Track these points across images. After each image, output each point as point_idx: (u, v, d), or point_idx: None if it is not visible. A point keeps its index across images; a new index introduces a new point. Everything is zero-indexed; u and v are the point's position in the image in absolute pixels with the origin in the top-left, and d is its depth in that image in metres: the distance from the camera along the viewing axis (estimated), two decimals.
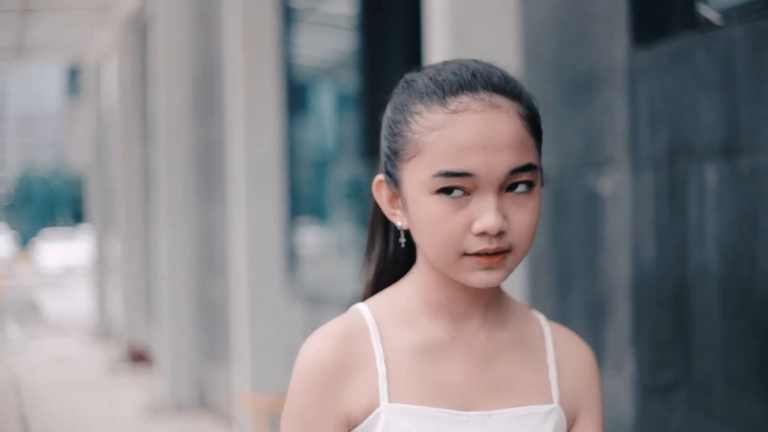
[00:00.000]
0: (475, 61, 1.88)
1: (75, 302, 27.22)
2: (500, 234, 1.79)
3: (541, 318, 2.06)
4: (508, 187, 1.80)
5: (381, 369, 1.87)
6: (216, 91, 10.25)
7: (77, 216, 53.50)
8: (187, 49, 11.69)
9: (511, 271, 1.83)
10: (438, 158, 1.79)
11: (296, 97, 8.97)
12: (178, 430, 10.33)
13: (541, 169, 1.86)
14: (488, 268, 1.81)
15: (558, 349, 2.02)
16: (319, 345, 1.90)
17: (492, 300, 1.96)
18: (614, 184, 3.81)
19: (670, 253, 3.46)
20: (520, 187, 1.79)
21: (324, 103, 9.17)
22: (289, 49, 8.90)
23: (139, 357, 14.80)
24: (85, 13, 15.88)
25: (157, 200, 12.25)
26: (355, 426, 1.89)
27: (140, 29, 15.32)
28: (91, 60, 20.15)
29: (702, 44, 3.36)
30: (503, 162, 1.77)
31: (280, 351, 8.40)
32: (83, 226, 38.94)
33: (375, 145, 7.09)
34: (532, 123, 1.83)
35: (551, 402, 1.96)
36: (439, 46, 4.50)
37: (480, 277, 1.81)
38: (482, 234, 1.79)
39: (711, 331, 3.29)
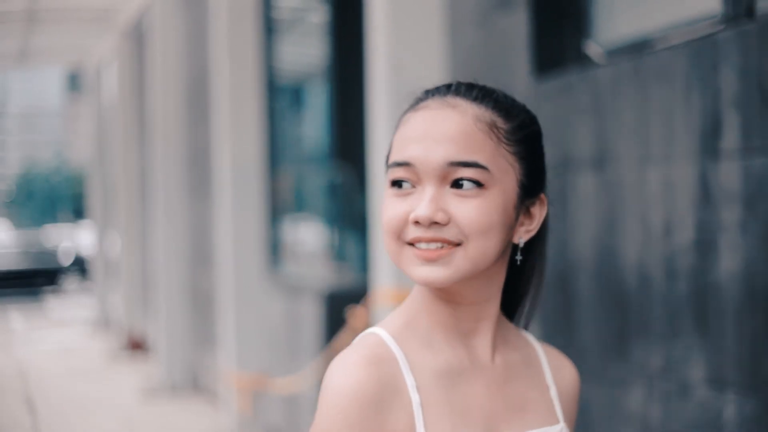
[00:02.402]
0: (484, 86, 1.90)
1: (76, 297, 27.51)
2: (437, 225, 1.75)
3: (530, 337, 2.04)
4: (454, 183, 1.76)
5: (415, 397, 1.78)
6: (207, 97, 10.82)
7: (78, 212, 53.37)
8: (180, 58, 12.27)
9: (461, 271, 1.77)
10: (392, 153, 1.82)
11: (276, 103, 9.65)
12: (172, 410, 11.02)
13: (535, 185, 1.86)
14: (429, 264, 1.77)
15: (553, 369, 2.01)
16: (353, 372, 1.75)
17: (495, 318, 1.90)
18: None
19: (555, 246, 4.28)
20: (466, 185, 1.76)
21: (301, 108, 9.83)
22: (270, 59, 9.50)
23: (137, 345, 15.42)
24: (87, 23, 16.20)
25: (154, 198, 12.85)
26: None
27: (138, 38, 15.81)
28: (92, 65, 20.52)
29: (581, 79, 4.18)
30: (440, 153, 1.75)
31: (262, 334, 9.08)
32: (84, 223, 38.82)
33: (345, 147, 7.84)
34: (495, 130, 1.79)
35: (558, 422, 1.95)
36: (381, 77, 5.32)
37: (421, 272, 1.77)
38: (417, 223, 1.76)
39: (586, 308, 4.12)
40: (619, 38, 4.26)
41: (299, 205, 9.53)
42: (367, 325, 6.37)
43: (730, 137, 3.24)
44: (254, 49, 9.26)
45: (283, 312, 8.75)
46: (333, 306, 7.32)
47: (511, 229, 1.83)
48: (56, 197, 68.68)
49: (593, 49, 4.43)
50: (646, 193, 3.71)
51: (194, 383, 12.14)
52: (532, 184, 1.85)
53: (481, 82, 1.86)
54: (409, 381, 1.78)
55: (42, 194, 70.41)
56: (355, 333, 6.81)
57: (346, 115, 8.18)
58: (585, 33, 4.51)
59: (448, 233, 1.76)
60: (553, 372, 2.00)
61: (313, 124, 9.29)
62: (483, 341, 1.89)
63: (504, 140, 1.80)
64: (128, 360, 14.94)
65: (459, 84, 1.86)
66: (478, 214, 1.75)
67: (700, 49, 3.42)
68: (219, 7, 9.33)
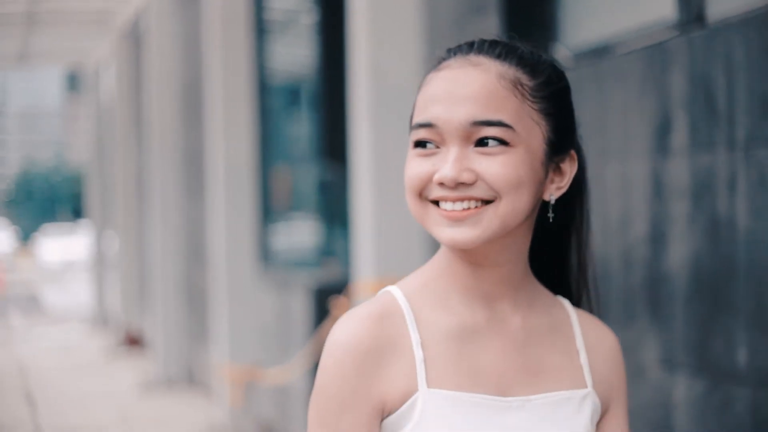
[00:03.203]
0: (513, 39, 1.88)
1: (75, 295, 27.55)
2: (464, 186, 1.74)
3: (566, 303, 1.99)
4: (478, 143, 1.75)
5: (418, 353, 1.78)
6: (202, 98, 11.02)
7: (77, 212, 53.44)
8: (176, 60, 12.49)
9: (489, 230, 1.76)
10: (415, 114, 1.80)
11: (269, 103, 9.85)
12: (168, 403, 11.27)
13: (563, 142, 1.84)
14: (456, 224, 1.75)
15: (586, 335, 1.96)
16: (354, 325, 1.77)
17: (521, 282, 1.88)
18: None
19: None
20: (491, 143, 1.73)
21: (292, 108, 10.03)
22: (262, 61, 9.72)
23: (134, 341, 15.65)
24: (86, 24, 16.36)
25: (151, 197, 13.09)
26: (389, 413, 1.79)
27: (135, 40, 15.99)
28: (91, 66, 20.68)
29: None
30: (462, 112, 1.73)
31: (254, 327, 9.32)
32: (83, 222, 38.81)
33: (334, 147, 8.07)
34: (519, 87, 1.77)
35: (585, 386, 1.90)
36: (362, 79, 5.57)
37: (447, 233, 1.75)
38: (441, 184, 1.75)
39: None
40: (585, 43, 4.49)
41: (290, 204, 9.74)
42: None
43: (679, 136, 3.47)
44: (246, 51, 9.46)
45: (274, 306, 8.99)
46: (321, 300, 7.55)
47: (540, 186, 1.81)
48: (55, 197, 68.74)
49: (562, 52, 4.66)
50: (604, 187, 3.92)
51: (189, 377, 12.39)
52: (560, 141, 1.82)
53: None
54: (414, 337, 1.78)
55: (41, 194, 70.48)
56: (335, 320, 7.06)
57: (335, 115, 8.39)
58: (554, 37, 4.74)
59: (478, 191, 1.74)
60: (585, 338, 1.95)
61: (304, 124, 9.50)
62: (505, 304, 1.87)
63: (529, 97, 1.78)
64: (125, 356, 15.15)
65: (482, 41, 1.82)
66: (505, 170, 1.73)
67: (653, 55, 3.65)
68: (212, 10, 9.54)
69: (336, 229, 8.58)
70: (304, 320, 7.99)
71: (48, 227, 52.93)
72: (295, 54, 9.68)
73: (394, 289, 1.85)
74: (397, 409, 1.77)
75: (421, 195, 1.78)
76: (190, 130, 12.08)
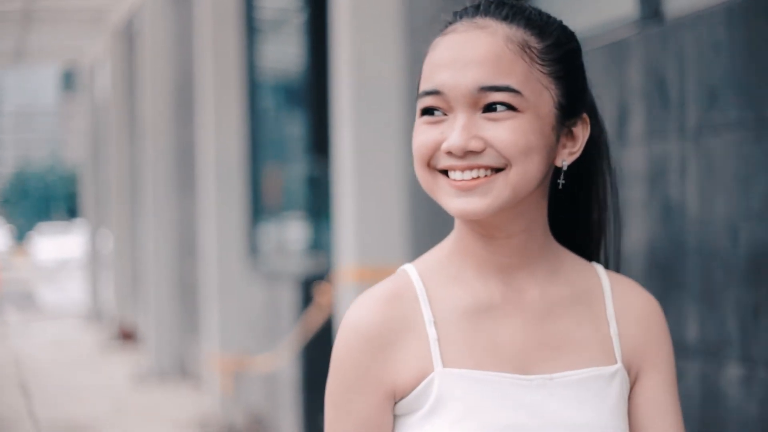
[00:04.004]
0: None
1: (69, 292, 27.74)
2: (473, 154, 1.68)
3: (600, 269, 1.86)
4: (486, 108, 1.68)
5: (431, 332, 1.72)
6: (194, 96, 11.20)
7: (72, 211, 53.51)
8: (169, 58, 12.69)
9: (500, 199, 1.69)
10: (421, 81, 1.73)
11: (259, 100, 10.06)
12: (160, 394, 11.53)
13: (575, 105, 1.76)
14: (465, 194, 1.69)
15: (617, 301, 1.83)
16: (365, 308, 1.74)
17: (539, 252, 1.79)
18: None
19: None
20: (499, 108, 1.67)
21: (282, 105, 10.26)
22: (252, 58, 9.93)
23: (127, 335, 15.88)
24: (81, 23, 16.54)
25: (144, 194, 13.30)
26: (402, 396, 1.73)
27: (129, 38, 16.18)
28: (86, 64, 20.81)
29: None
30: (469, 78, 1.67)
31: (244, 318, 9.55)
32: (78, 221, 38.90)
33: (322, 142, 8.29)
34: (528, 50, 1.70)
35: (614, 362, 1.79)
36: (344, 75, 5.81)
37: (456, 203, 1.69)
38: (450, 153, 1.68)
39: None
40: None
41: (279, 198, 9.94)
42: (332, 302, 6.85)
43: (636, 125, 3.70)
44: (237, 49, 9.64)
45: (263, 298, 9.21)
46: (308, 289, 7.78)
47: (552, 150, 1.73)
48: (50, 196, 68.78)
49: None
50: None
51: (181, 369, 12.62)
52: (571, 104, 1.75)
53: None
54: (427, 317, 1.73)
55: (36, 193, 70.51)
56: (321, 309, 7.30)
57: (323, 112, 8.59)
58: None
59: (487, 159, 1.68)
60: (616, 305, 1.82)
61: (294, 121, 9.69)
62: (522, 276, 1.79)
63: (538, 61, 1.71)
64: (119, 350, 15.38)
65: (488, 3, 1.75)
66: (514, 136, 1.67)
67: (613, 51, 3.88)
68: (203, 9, 9.73)
69: (324, 223, 8.78)
70: (292, 310, 8.22)
71: (43, 226, 52.93)
72: (285, 52, 9.88)
73: (409, 267, 1.80)
74: (411, 391, 1.72)
75: (430, 165, 1.72)
76: (183, 127, 12.25)
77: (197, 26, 10.20)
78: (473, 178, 1.68)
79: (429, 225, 5.68)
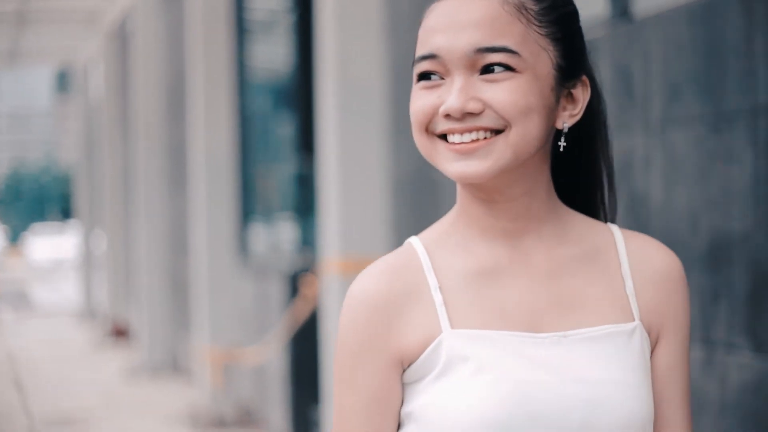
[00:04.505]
0: None
1: (63, 292, 27.81)
2: (472, 116, 1.66)
3: (614, 228, 1.83)
4: (483, 70, 1.67)
5: (437, 297, 1.71)
6: (185, 95, 11.30)
7: (66, 212, 53.48)
8: (161, 58, 12.83)
9: (501, 161, 1.67)
10: (417, 47, 1.72)
11: (249, 99, 10.19)
12: (152, 388, 11.71)
13: (573, 67, 1.74)
14: (465, 157, 1.67)
15: (632, 257, 1.79)
16: (368, 280, 1.74)
17: (544, 215, 1.77)
18: None
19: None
20: (497, 69, 1.65)
21: (272, 104, 10.40)
22: (242, 58, 10.07)
23: (120, 333, 16.00)
24: (75, 24, 16.66)
25: (137, 192, 13.43)
26: (411, 362, 1.72)
27: (122, 39, 16.23)
28: (80, 65, 20.91)
29: None
30: (465, 40, 1.65)
31: (234, 312, 9.71)
32: (72, 222, 38.89)
33: (311, 140, 8.39)
34: (524, 12, 1.69)
35: (632, 319, 1.76)
36: (329, 73, 6.00)
37: (456, 167, 1.67)
38: (448, 116, 1.67)
39: None
40: None
41: (269, 195, 10.09)
42: (318, 293, 7.02)
43: None
44: (227, 49, 9.77)
45: (252, 292, 9.37)
46: (296, 284, 7.93)
47: (552, 112, 1.71)
48: (44, 197, 68.72)
49: None
50: None
51: (173, 364, 12.75)
52: (570, 66, 1.73)
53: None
54: (432, 283, 1.72)
55: (31, 194, 70.44)
56: (308, 301, 7.47)
57: (310, 111, 8.73)
58: None
59: (486, 120, 1.66)
60: (632, 264, 1.79)
61: (283, 120, 9.82)
62: (528, 240, 1.76)
63: (535, 22, 1.69)
64: (112, 346, 15.51)
65: None
66: (513, 96, 1.65)
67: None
68: (194, 9, 9.86)
69: (312, 220, 8.92)
70: (281, 304, 8.37)
71: (37, 227, 52.90)
72: (275, 53, 9.99)
73: (413, 240, 1.78)
74: (419, 356, 1.70)
75: (428, 130, 1.70)
76: (174, 126, 12.37)
77: (188, 27, 10.33)
78: (473, 141, 1.67)
79: (411, 218, 5.84)
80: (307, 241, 8.95)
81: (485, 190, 1.72)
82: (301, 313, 7.67)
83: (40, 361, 14.40)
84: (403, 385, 1.74)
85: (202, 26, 9.70)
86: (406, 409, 1.74)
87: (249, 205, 10.14)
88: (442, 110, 1.66)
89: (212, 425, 9.46)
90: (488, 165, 1.66)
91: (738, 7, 3.27)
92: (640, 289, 1.78)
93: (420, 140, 1.72)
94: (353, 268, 5.84)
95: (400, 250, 1.78)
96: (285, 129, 9.59)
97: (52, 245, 43.56)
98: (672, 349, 1.80)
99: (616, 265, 1.78)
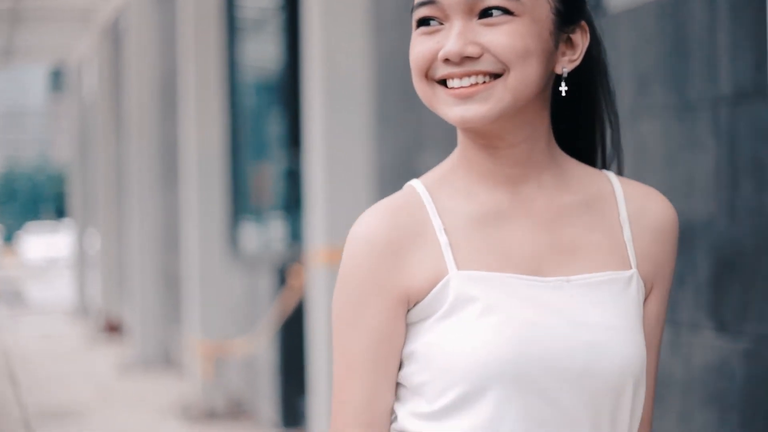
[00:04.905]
0: None
1: (57, 290, 27.70)
2: (471, 60, 1.66)
3: (612, 176, 1.84)
4: (481, 14, 1.66)
5: (443, 239, 1.70)
6: (177, 93, 11.36)
7: (60, 211, 53.37)
8: (154, 56, 12.92)
9: (500, 105, 1.67)
10: None
11: (239, 97, 10.29)
12: (144, 382, 11.81)
13: (572, 12, 1.74)
14: (464, 102, 1.67)
15: (630, 205, 1.80)
16: (372, 219, 1.72)
17: (544, 162, 1.77)
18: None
19: None
20: (495, 13, 1.65)
21: (262, 101, 10.47)
22: (233, 56, 10.17)
23: (113, 329, 16.11)
24: (68, 22, 16.73)
25: (130, 190, 13.52)
26: (416, 302, 1.71)
27: (115, 37, 16.30)
28: (73, 63, 20.96)
29: None
30: None
31: (224, 305, 9.82)
32: (65, 221, 38.88)
33: (299, 137, 8.53)
34: None
35: (629, 267, 1.77)
36: (315, 71, 6.13)
37: (456, 111, 1.67)
38: (447, 61, 1.67)
39: None
40: None
41: (260, 191, 10.16)
42: (304, 283, 7.13)
43: None
44: (218, 47, 9.87)
45: (243, 285, 9.52)
46: (285, 276, 8.04)
47: (551, 57, 1.71)
48: (39, 196, 68.58)
49: None
50: None
51: (165, 358, 12.87)
52: (568, 11, 1.73)
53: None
54: (437, 224, 1.71)
55: (25, 193, 70.28)
56: (295, 291, 7.57)
57: (300, 107, 8.82)
58: None
59: (485, 64, 1.66)
60: (630, 211, 1.80)
61: (273, 117, 9.89)
62: (529, 187, 1.76)
63: None
64: (105, 342, 15.60)
65: None
66: (512, 39, 1.65)
67: None
68: (186, 7, 9.96)
69: (301, 214, 9.02)
70: (269, 296, 8.48)
71: (32, 225, 52.78)
72: (266, 50, 10.07)
73: (414, 182, 1.78)
74: (425, 295, 1.70)
75: (428, 76, 1.70)
76: (167, 123, 12.47)
77: (180, 25, 10.42)
78: (472, 85, 1.67)
79: None
80: (296, 235, 9.06)
81: (486, 136, 1.73)
82: (289, 303, 7.76)
83: (34, 356, 14.50)
84: (407, 326, 1.73)
85: (194, 24, 9.79)
86: (408, 348, 1.73)
87: (240, 201, 10.24)
88: (441, 55, 1.67)
89: (203, 417, 9.60)
90: (487, 109, 1.66)
91: (702, 4, 3.37)
92: (637, 237, 1.79)
93: (420, 86, 1.72)
94: (339, 258, 5.94)
95: (401, 192, 1.78)
96: (275, 126, 9.67)
97: (46, 244, 43.48)
98: (660, 300, 1.83)
99: (615, 213, 1.79)
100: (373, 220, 1.71)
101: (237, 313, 9.61)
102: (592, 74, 1.84)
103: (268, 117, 10.08)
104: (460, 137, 1.77)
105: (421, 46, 1.69)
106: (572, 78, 1.78)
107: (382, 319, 1.71)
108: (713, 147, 3.33)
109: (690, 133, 3.43)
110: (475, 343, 1.65)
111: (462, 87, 1.67)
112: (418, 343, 1.71)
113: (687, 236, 3.37)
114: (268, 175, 9.77)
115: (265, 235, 9.86)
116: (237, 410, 9.68)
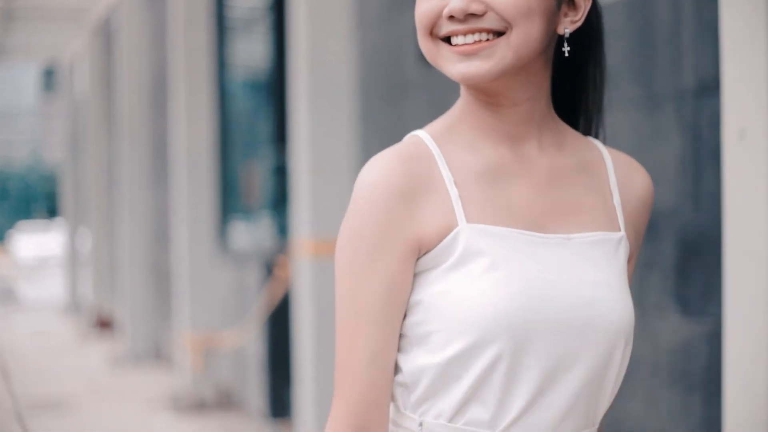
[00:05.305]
0: None
1: (49, 288, 27.33)
2: (475, 18, 1.68)
3: (598, 143, 1.91)
4: None
5: (453, 191, 1.71)
6: (167, 92, 11.43)
7: (52, 210, 53.29)
8: (145, 55, 12.97)
9: (503, 62, 1.69)
10: None
11: (229, 95, 10.39)
12: (135, 376, 11.90)
13: None
14: (467, 59, 1.69)
15: (618, 172, 1.87)
16: (383, 166, 1.70)
17: (544, 122, 1.80)
18: None
19: None
20: None
21: (251, 99, 10.55)
22: (222, 55, 10.27)
23: (105, 324, 16.13)
24: (60, 21, 16.68)
25: (121, 187, 13.55)
26: (426, 251, 1.71)
27: (107, 36, 16.31)
28: (65, 63, 20.89)
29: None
30: None
31: (213, 299, 9.92)
32: (57, 220, 38.79)
33: (285, 134, 8.63)
34: None
35: (618, 229, 1.82)
36: (301, 70, 6.27)
37: (459, 68, 1.69)
38: (451, 18, 1.69)
39: None
40: None
41: (248, 187, 10.26)
42: (290, 274, 7.23)
43: None
44: (208, 46, 9.96)
45: (232, 280, 9.62)
46: (272, 268, 8.15)
47: (553, 16, 1.73)
48: (30, 195, 68.46)
49: None
50: None
51: (156, 353, 12.96)
52: None
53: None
54: (447, 176, 1.72)
55: (17, 192, 70.16)
56: (281, 282, 7.68)
57: (287, 105, 8.94)
58: None
59: (488, 22, 1.68)
60: (618, 178, 1.86)
61: (262, 115, 9.99)
62: (530, 146, 1.79)
63: None
64: (96, 337, 15.62)
65: None
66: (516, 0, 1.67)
67: None
68: (176, 7, 10.04)
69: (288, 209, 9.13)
70: (257, 288, 8.60)
71: (24, 224, 52.70)
72: (255, 49, 10.15)
73: (421, 133, 1.78)
74: (435, 245, 1.70)
75: (432, 33, 1.72)
76: (158, 121, 12.54)
77: (170, 24, 10.50)
78: (475, 42, 1.68)
79: None
80: (284, 230, 9.17)
81: (490, 94, 1.75)
82: (276, 295, 7.87)
83: (26, 350, 14.54)
84: (414, 274, 1.73)
85: (184, 24, 9.87)
86: (414, 297, 1.73)
87: (229, 198, 10.35)
88: (445, 12, 1.68)
89: (193, 408, 9.72)
90: (490, 66, 1.68)
91: (668, 3, 3.50)
92: (625, 203, 1.85)
93: (424, 44, 1.74)
94: (323, 250, 6.10)
95: (407, 141, 1.78)
96: (264, 124, 9.77)
97: (38, 243, 43.31)
98: (632, 267, 1.90)
99: (605, 178, 1.84)
100: (386, 169, 1.70)
101: (226, 306, 9.73)
102: (588, 38, 1.87)
103: (257, 115, 10.18)
104: (464, 94, 1.80)
105: (426, 3, 1.71)
106: (573, 38, 1.83)
107: (394, 267, 1.70)
108: (677, 138, 3.44)
109: (656, 125, 3.54)
110: (485, 296, 1.66)
111: (466, 44, 1.69)
112: (424, 293, 1.72)
113: (654, 223, 3.48)
114: (257, 173, 9.86)
115: (253, 231, 9.95)
116: (226, 401, 9.81)
